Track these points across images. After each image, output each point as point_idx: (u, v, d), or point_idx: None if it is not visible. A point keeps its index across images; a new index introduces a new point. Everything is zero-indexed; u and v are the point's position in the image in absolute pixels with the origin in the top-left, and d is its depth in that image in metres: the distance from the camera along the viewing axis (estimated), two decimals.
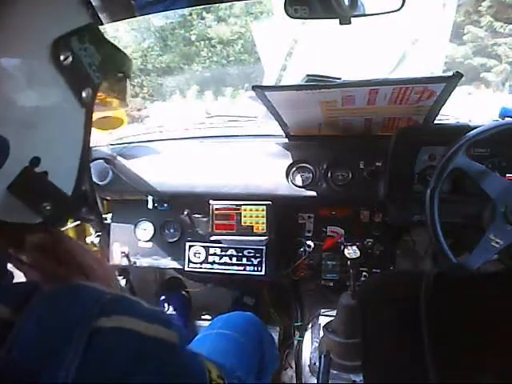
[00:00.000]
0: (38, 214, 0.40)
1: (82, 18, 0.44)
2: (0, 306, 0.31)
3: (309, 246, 1.32)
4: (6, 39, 0.36)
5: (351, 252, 1.16)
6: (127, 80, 0.55)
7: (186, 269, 1.36)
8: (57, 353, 0.30)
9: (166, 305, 1.57)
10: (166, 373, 0.34)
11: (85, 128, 0.44)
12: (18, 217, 0.39)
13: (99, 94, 0.48)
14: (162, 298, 1.59)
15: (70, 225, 1.39)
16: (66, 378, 0.29)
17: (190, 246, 1.36)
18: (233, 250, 1.33)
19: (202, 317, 1.60)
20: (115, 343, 0.32)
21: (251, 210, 1.25)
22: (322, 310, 1.41)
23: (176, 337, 0.36)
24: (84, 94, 0.42)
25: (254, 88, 1.01)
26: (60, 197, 0.42)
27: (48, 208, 0.40)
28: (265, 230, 1.24)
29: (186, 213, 1.34)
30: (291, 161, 1.23)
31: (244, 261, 1.32)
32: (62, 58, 0.39)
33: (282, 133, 1.26)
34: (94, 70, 0.44)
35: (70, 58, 0.40)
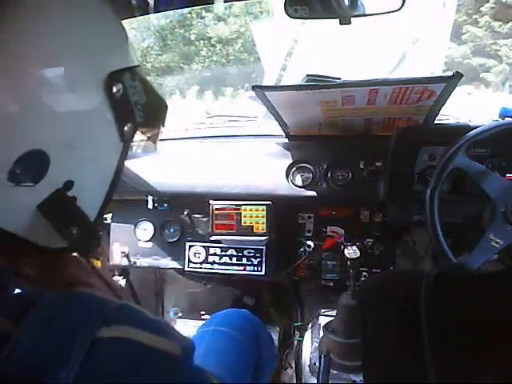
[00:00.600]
0: (64, 238, 0.40)
1: (133, 57, 0.47)
2: None
3: (309, 246, 1.32)
4: (69, 65, 0.38)
5: (351, 252, 1.16)
6: (161, 127, 0.57)
7: (186, 269, 1.36)
8: (59, 355, 0.30)
9: None
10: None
11: (118, 161, 0.45)
12: (41, 238, 0.40)
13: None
14: None
15: None
16: (66, 379, 0.29)
17: (190, 246, 1.36)
18: (233, 250, 1.33)
19: (202, 317, 1.60)
20: (115, 353, 0.32)
21: (251, 210, 1.24)
22: (322, 310, 1.41)
23: (179, 349, 0.35)
24: (126, 129, 0.43)
25: (253, 88, 1.01)
26: (86, 223, 0.42)
27: (74, 233, 0.40)
28: (265, 230, 1.24)
29: (186, 213, 1.34)
30: (291, 161, 1.23)
31: (244, 261, 1.32)
32: (114, 89, 0.41)
33: (281, 133, 1.26)
34: (138, 109, 0.45)
35: (121, 92, 0.42)
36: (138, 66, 0.46)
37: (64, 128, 0.38)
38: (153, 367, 0.32)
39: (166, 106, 0.54)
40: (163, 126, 0.56)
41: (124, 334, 0.33)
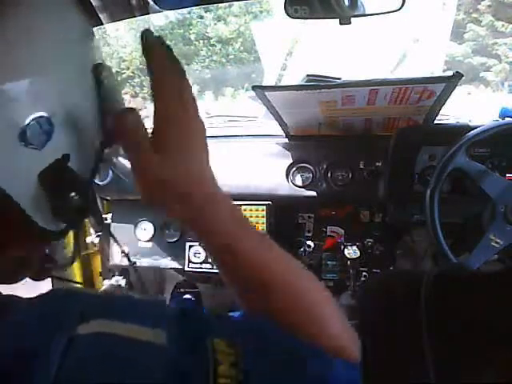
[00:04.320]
0: (65, 207, 0.39)
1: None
2: None
3: (309, 246, 1.32)
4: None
5: (351, 252, 1.16)
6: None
7: (186, 269, 1.36)
8: (35, 357, 0.28)
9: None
10: (153, 378, 0.29)
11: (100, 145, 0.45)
12: (39, 215, 0.38)
13: None
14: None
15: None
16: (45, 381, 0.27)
17: (190, 246, 1.36)
18: None
19: None
20: (92, 351, 0.30)
21: (251, 210, 1.24)
22: None
23: (164, 336, 0.31)
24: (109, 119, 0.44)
25: (253, 88, 1.01)
26: (86, 190, 0.42)
27: (75, 199, 0.40)
28: (265, 230, 1.24)
29: None
30: (291, 161, 1.23)
31: None
32: (102, 77, 0.43)
33: (282, 133, 1.26)
34: (122, 98, 0.47)
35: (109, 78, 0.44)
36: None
37: (66, 101, 0.40)
38: (133, 362, 0.30)
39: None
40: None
41: (101, 328, 0.31)
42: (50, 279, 1.06)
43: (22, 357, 0.29)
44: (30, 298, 0.34)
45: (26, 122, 0.35)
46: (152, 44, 0.42)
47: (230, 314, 0.45)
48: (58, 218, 0.40)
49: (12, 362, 0.28)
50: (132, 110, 0.40)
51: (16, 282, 0.45)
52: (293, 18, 0.81)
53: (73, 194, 0.40)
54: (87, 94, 0.43)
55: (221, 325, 0.37)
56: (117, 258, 1.41)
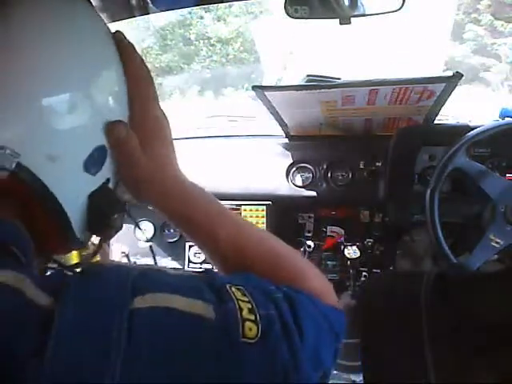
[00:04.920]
0: (109, 226, 0.44)
1: None
2: (44, 295, 0.31)
3: (309, 246, 1.32)
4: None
5: (351, 252, 1.16)
6: None
7: (186, 269, 1.36)
8: (98, 348, 0.29)
9: None
10: (204, 351, 0.32)
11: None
12: (79, 229, 0.43)
13: None
14: None
15: None
16: (112, 379, 0.28)
17: (190, 246, 1.36)
18: None
19: None
20: (158, 324, 0.31)
21: (251, 210, 1.24)
22: None
23: (211, 309, 0.33)
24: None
25: (254, 88, 1.01)
26: (124, 209, 0.47)
27: (117, 220, 0.45)
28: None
29: None
30: (291, 161, 1.23)
31: None
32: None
33: (282, 133, 1.26)
34: None
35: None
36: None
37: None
38: (193, 337, 0.32)
39: None
40: None
41: (156, 302, 0.32)
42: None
43: (88, 341, 0.29)
44: (81, 277, 0.35)
45: (90, 151, 0.40)
46: (126, 46, 0.46)
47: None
48: (94, 233, 0.46)
49: (78, 350, 0.29)
50: (120, 121, 0.43)
51: None
52: (293, 17, 0.81)
53: (115, 215, 0.44)
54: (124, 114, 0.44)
55: (226, 277, 0.42)
56: (117, 258, 1.41)
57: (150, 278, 0.35)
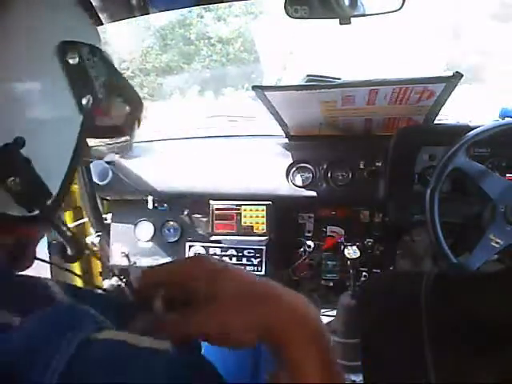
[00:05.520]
0: (5, 190, 0.38)
1: (96, 40, 0.48)
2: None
3: (309, 246, 1.32)
4: (15, 38, 0.39)
5: (351, 252, 1.16)
6: (137, 123, 0.56)
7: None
8: (43, 356, 0.29)
9: None
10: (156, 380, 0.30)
11: (79, 135, 0.44)
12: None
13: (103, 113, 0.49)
14: None
15: (72, 224, 1.39)
16: (50, 380, 0.28)
17: (190, 246, 1.36)
18: (233, 250, 1.33)
19: None
20: (103, 354, 0.30)
21: (251, 210, 1.24)
22: (322, 310, 1.41)
23: (168, 344, 0.32)
24: (84, 100, 0.43)
25: (254, 88, 1.01)
26: (31, 176, 0.40)
27: (16, 182, 0.38)
28: (265, 230, 1.24)
29: (185, 213, 1.34)
30: (291, 161, 1.23)
31: (244, 261, 1.32)
32: (68, 57, 0.42)
33: (282, 133, 1.26)
34: (99, 84, 0.45)
35: (77, 60, 0.42)
36: (100, 49, 0.47)
37: (14, 83, 0.39)
38: (141, 366, 0.30)
39: (139, 98, 0.55)
40: (138, 124, 0.56)
41: (113, 336, 0.32)
42: (49, 269, 1.06)
43: (35, 350, 0.29)
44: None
45: None
46: None
47: None
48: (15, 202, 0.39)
49: (24, 353, 0.29)
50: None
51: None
52: (293, 18, 0.80)
53: (14, 178, 0.38)
54: (48, 75, 0.42)
55: None
56: (117, 257, 1.41)
57: (114, 315, 0.35)
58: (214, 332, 0.36)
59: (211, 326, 0.36)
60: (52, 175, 0.43)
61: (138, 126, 0.57)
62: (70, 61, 0.42)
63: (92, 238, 1.43)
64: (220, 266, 0.38)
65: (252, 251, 1.31)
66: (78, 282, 1.13)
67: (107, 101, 0.48)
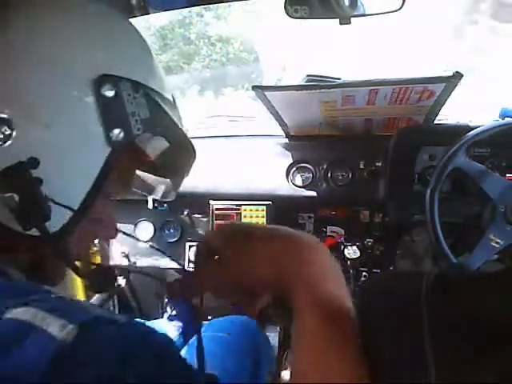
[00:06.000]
0: (3, 204, 0.39)
1: (149, 77, 0.48)
2: None
3: None
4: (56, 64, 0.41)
5: (351, 252, 1.16)
6: (185, 174, 0.57)
7: (186, 269, 1.36)
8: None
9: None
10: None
11: (103, 166, 0.43)
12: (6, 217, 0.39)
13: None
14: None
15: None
16: None
17: (190, 246, 1.36)
18: None
19: None
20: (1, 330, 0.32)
21: (251, 210, 1.24)
22: None
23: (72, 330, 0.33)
24: (115, 133, 0.43)
25: (254, 88, 1.01)
26: (36, 197, 0.40)
27: (14, 199, 0.38)
28: None
29: (186, 213, 1.34)
30: (291, 161, 1.23)
31: None
32: (103, 89, 0.42)
33: (282, 133, 1.26)
34: (136, 120, 0.44)
35: (113, 93, 0.43)
36: (152, 89, 0.47)
37: (40, 105, 0.40)
38: (29, 346, 0.31)
39: (194, 151, 0.55)
40: (187, 173, 0.57)
41: (21, 315, 0.33)
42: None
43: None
44: None
45: None
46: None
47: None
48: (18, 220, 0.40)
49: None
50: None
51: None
52: (293, 18, 0.80)
53: (10, 194, 0.39)
54: (78, 105, 0.43)
55: None
56: (117, 258, 1.41)
57: None
58: (236, 275, 0.43)
59: (235, 271, 0.43)
60: (67, 200, 0.41)
61: (186, 175, 0.57)
62: (106, 93, 0.42)
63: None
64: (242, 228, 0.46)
65: None
66: (79, 282, 1.13)
67: (146, 138, 0.47)
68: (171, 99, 0.53)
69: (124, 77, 0.44)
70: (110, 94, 0.42)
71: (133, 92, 0.44)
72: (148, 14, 0.91)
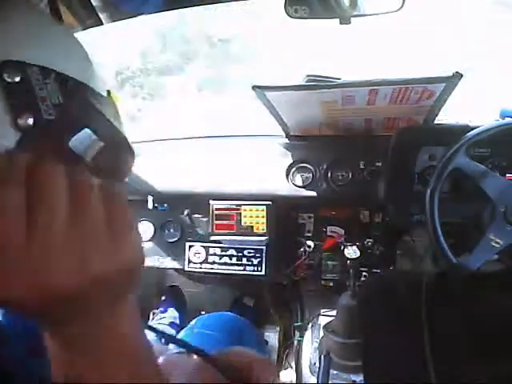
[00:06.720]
0: None
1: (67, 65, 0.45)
2: None
3: (309, 246, 1.32)
4: None
5: (351, 252, 1.16)
6: (122, 178, 0.52)
7: (186, 269, 1.36)
8: None
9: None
10: None
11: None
12: None
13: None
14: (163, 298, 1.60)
15: None
16: None
17: (190, 246, 1.36)
18: (233, 250, 1.33)
19: None
20: None
21: (251, 210, 1.24)
22: (322, 310, 1.41)
23: None
24: (23, 119, 0.41)
25: (254, 88, 1.01)
26: None
27: None
28: (265, 230, 1.24)
29: (186, 213, 1.34)
30: (291, 161, 1.23)
31: (244, 261, 1.32)
32: (5, 76, 0.41)
33: (282, 133, 1.26)
34: (47, 105, 0.42)
35: (18, 78, 0.41)
36: (56, 72, 0.44)
37: None
38: None
39: (131, 150, 0.51)
40: (128, 171, 0.53)
41: None
42: None
43: None
44: None
45: None
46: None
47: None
48: None
49: None
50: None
51: None
52: (293, 17, 0.80)
53: None
54: None
55: None
56: None
57: None
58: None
59: None
60: None
61: (124, 177, 0.52)
62: (8, 80, 0.41)
63: None
64: None
65: (252, 251, 1.31)
66: None
67: (61, 124, 0.44)
68: (102, 92, 0.49)
69: (29, 62, 0.42)
70: (16, 79, 0.41)
71: (44, 79, 0.43)
72: (144, 14, 0.90)
